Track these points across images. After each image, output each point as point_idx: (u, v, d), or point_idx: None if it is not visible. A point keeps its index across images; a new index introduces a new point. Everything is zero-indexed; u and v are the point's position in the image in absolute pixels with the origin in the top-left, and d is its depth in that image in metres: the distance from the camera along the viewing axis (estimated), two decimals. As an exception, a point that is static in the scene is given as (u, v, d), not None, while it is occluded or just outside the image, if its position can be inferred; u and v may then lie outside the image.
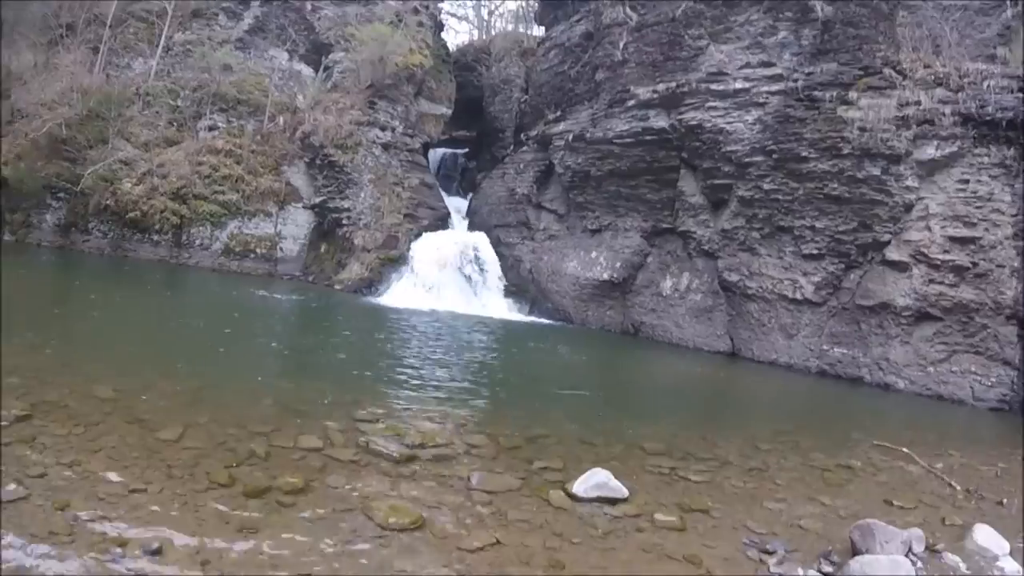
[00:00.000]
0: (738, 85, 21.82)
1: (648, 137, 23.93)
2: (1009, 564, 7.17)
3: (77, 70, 28.43)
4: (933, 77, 19.15)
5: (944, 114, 18.59)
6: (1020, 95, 18.04)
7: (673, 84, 22.93)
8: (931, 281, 18.84)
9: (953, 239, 18.53)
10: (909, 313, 19.18)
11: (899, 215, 19.35)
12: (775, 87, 21.22)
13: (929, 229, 18.89)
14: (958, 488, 9.60)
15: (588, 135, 25.53)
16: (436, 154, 37.08)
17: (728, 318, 23.10)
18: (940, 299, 18.69)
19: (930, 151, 18.77)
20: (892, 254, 19.55)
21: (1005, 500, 9.36)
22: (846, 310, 20.68)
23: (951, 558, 6.99)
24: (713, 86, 22.17)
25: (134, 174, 27.29)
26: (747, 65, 21.77)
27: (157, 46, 30.03)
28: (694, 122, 22.51)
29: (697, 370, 19.62)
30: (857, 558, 6.34)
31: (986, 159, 18.28)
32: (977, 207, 18.28)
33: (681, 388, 17.16)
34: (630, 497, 7.46)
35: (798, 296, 21.33)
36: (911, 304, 19.12)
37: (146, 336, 14.31)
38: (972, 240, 18.28)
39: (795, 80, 20.87)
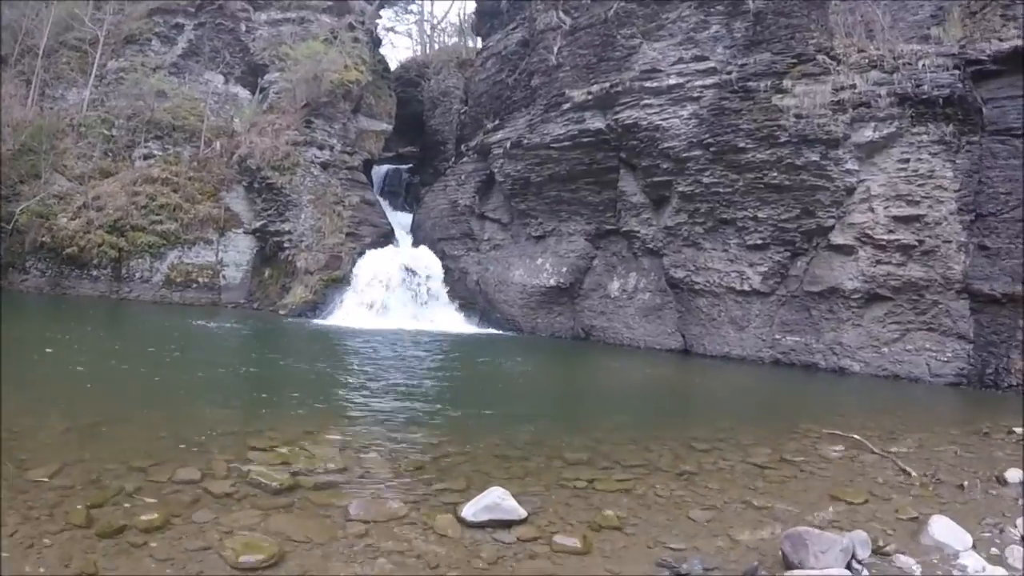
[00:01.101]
0: (672, 81, 20.80)
1: (585, 139, 22.83)
2: (972, 560, 5.85)
3: (10, 103, 27.02)
4: (867, 60, 18.21)
5: (880, 96, 17.60)
6: (955, 72, 17.15)
7: (607, 84, 21.85)
8: (878, 262, 17.85)
9: (897, 218, 17.51)
10: (859, 295, 18.18)
11: (841, 199, 18.33)
12: (709, 80, 20.20)
13: (872, 210, 17.88)
14: (914, 474, 8.36)
15: (525, 141, 24.36)
16: (380, 171, 35.59)
17: (678, 315, 21.95)
18: (889, 279, 17.70)
19: (868, 133, 17.78)
20: (837, 238, 18.52)
21: (966, 483, 8.09)
22: (795, 298, 19.61)
23: (903, 560, 5.69)
24: (647, 83, 21.12)
25: (70, 208, 25.90)
26: (680, 60, 20.76)
27: (90, 75, 28.59)
28: (630, 121, 21.43)
29: (646, 371, 18.27)
30: (787, 574, 5.11)
31: (925, 137, 17.30)
32: (919, 185, 17.28)
33: (625, 391, 15.73)
34: (530, 518, 6.24)
35: (746, 287, 20.24)
36: (860, 286, 18.12)
37: (59, 373, 12.63)
38: (916, 218, 17.27)
39: (729, 72, 19.86)
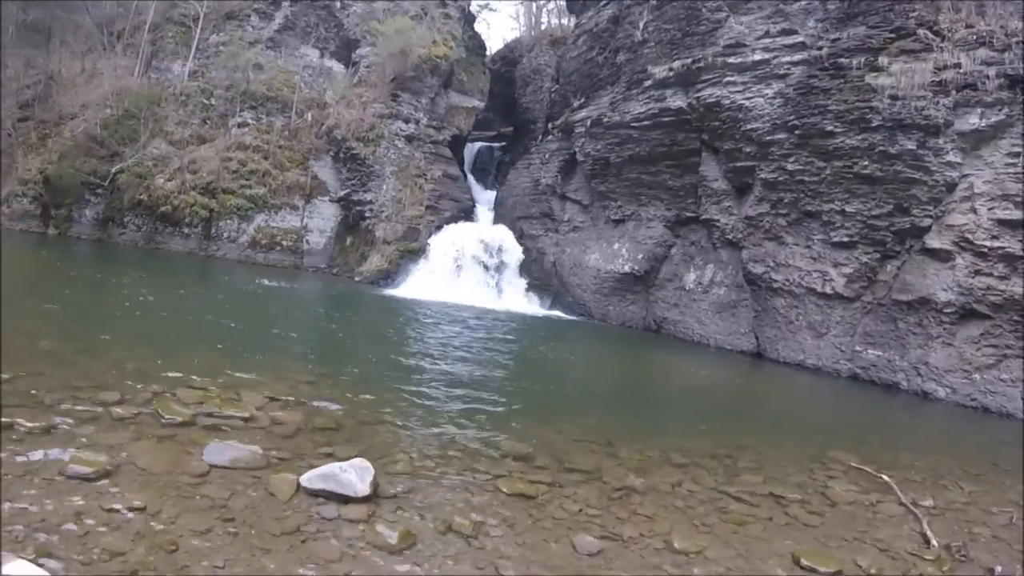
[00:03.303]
0: (757, 57, 17.99)
1: (666, 118, 20.29)
2: None
3: (122, 73, 27.28)
4: (975, 37, 14.81)
5: (988, 77, 14.31)
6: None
7: (689, 60, 19.25)
8: (977, 272, 14.57)
9: (1003, 222, 14.21)
10: (952, 310, 14.92)
11: (940, 196, 15.20)
12: (797, 56, 17.29)
13: (975, 211, 14.65)
14: (934, 543, 5.96)
15: (606, 120, 22.05)
16: (472, 148, 33.95)
17: (753, 314, 19.22)
18: (988, 293, 14.41)
19: (973, 120, 14.55)
20: (933, 241, 15.32)
21: (999, 569, 5.62)
22: (882, 306, 16.53)
23: None
24: (730, 59, 18.39)
25: (167, 170, 25.84)
26: (767, 35, 17.91)
27: (192, 48, 28.31)
28: (712, 99, 18.78)
29: (703, 371, 15.85)
30: None
31: (1040, 127, 14.05)
32: (1031, 184, 14.07)
33: (664, 389, 13.51)
34: (375, 498, 5.30)
35: (828, 290, 17.31)
36: (954, 299, 14.86)
37: (109, 308, 12.89)
38: (1026, 223, 14.08)
39: (819, 48, 16.90)
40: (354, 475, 5.31)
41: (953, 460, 9.14)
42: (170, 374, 7.86)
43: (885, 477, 7.51)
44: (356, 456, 5.76)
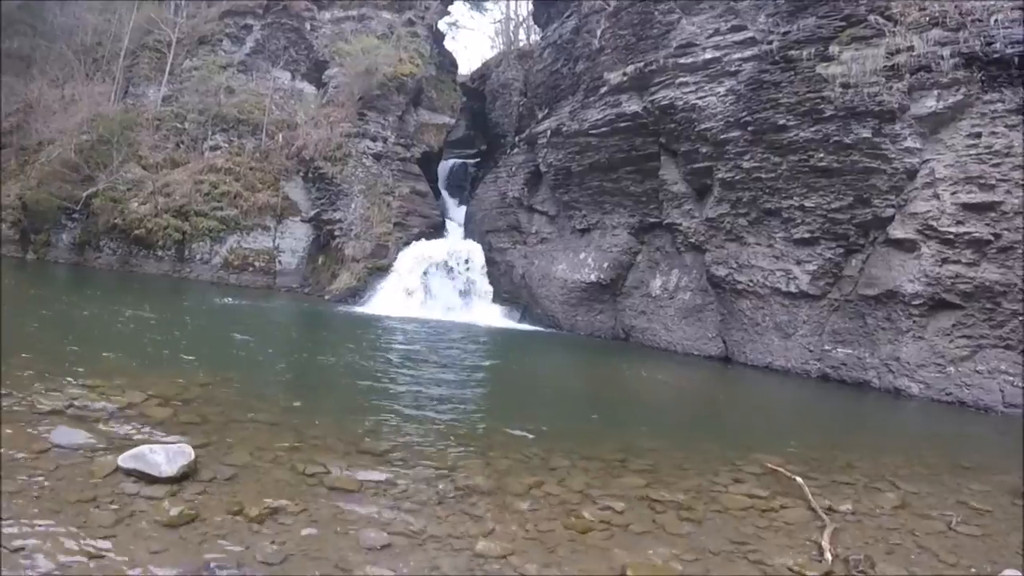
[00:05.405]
0: (708, 55, 16.68)
1: (623, 124, 18.91)
2: None
3: (99, 100, 26.39)
4: (928, 18, 13.42)
5: (943, 57, 12.92)
6: (1035, 26, 12.31)
7: (642, 64, 17.94)
8: (944, 261, 13.07)
9: (968, 206, 12.73)
10: (920, 302, 13.37)
11: (901, 184, 13.73)
12: (748, 52, 15.96)
13: (938, 197, 13.15)
14: (828, 555, 4.61)
15: (565, 129, 20.71)
16: (446, 165, 32.57)
17: (720, 318, 17.66)
18: (957, 282, 12.90)
19: (930, 103, 13.12)
20: (896, 231, 13.82)
21: None
22: (849, 303, 14.97)
23: None
24: (682, 60, 17.08)
25: (140, 194, 24.79)
26: (717, 33, 16.60)
27: (165, 74, 27.33)
28: (665, 101, 17.44)
29: (659, 376, 14.32)
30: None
31: (999, 106, 12.48)
32: (994, 165, 12.46)
33: (597, 392, 12.08)
34: (181, 480, 5.09)
35: (793, 289, 15.78)
36: (922, 290, 13.33)
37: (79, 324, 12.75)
38: (991, 206, 12.45)
39: (769, 42, 15.54)
40: (162, 456, 5.25)
41: (903, 459, 7.58)
42: (68, 377, 7.69)
43: (798, 479, 6.01)
44: (198, 446, 5.67)
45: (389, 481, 5.47)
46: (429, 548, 4.45)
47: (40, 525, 4.23)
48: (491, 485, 5.49)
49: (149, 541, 4.18)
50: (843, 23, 14.46)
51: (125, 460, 5.22)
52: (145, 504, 4.70)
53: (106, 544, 4.08)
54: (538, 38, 29.99)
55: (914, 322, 13.64)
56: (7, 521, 4.18)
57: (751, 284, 16.57)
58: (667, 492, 5.58)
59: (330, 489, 5.26)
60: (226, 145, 26.43)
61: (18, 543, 3.96)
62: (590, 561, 4.38)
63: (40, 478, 4.86)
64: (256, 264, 24.90)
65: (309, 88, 28.18)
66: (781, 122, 14.97)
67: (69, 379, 7.58)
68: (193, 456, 5.33)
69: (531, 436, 7.11)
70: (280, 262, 25.28)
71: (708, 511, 5.34)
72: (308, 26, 28.12)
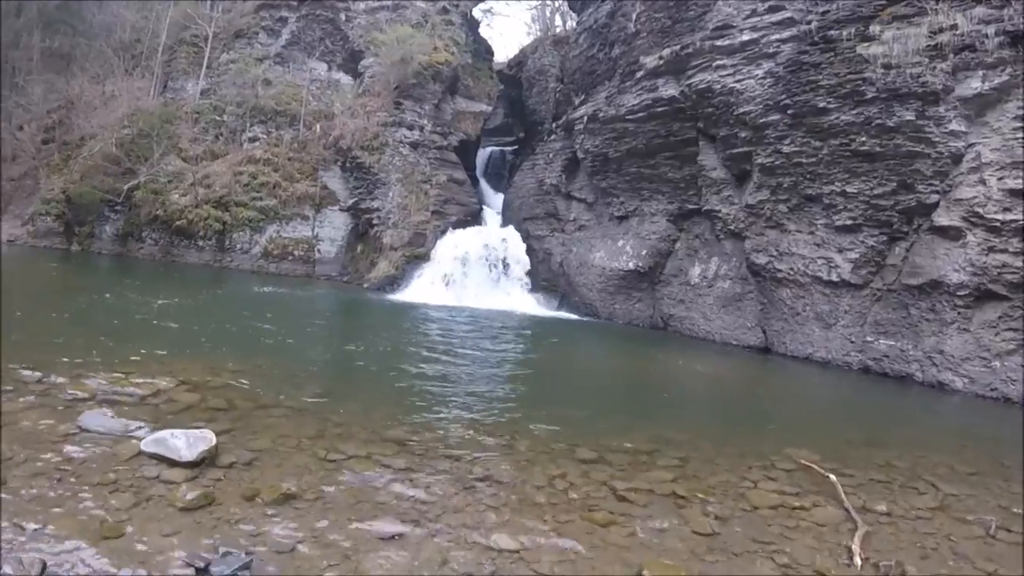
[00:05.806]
0: (745, 37, 16.28)
1: (659, 108, 18.64)
2: None
3: (138, 95, 26.99)
4: (972, -6, 12.99)
5: (987, 35, 12.36)
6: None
7: (678, 47, 17.62)
8: (991, 249, 12.57)
9: (1015, 192, 12.21)
10: (966, 292, 12.91)
11: (946, 168, 13.27)
12: (786, 33, 15.54)
13: (984, 183, 12.67)
14: (858, 558, 4.48)
15: (602, 115, 20.48)
16: (484, 152, 32.46)
17: (759, 307, 17.37)
18: (1004, 272, 12.41)
19: (975, 84, 12.61)
20: (941, 218, 13.33)
21: None
22: (892, 292, 14.54)
23: None
24: (719, 42, 16.70)
25: (181, 186, 25.28)
26: (754, 13, 16.18)
27: (203, 68, 27.84)
28: (703, 85, 17.12)
29: (697, 367, 14.16)
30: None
31: (1051, 85, 12.03)
32: (1045, 148, 12.08)
33: (635, 383, 11.96)
34: (201, 465, 5.20)
35: (834, 278, 15.41)
36: (967, 280, 12.86)
37: (113, 311, 12.99)
38: (1041, 192, 12.08)
39: (808, 22, 15.12)
40: (182, 441, 5.35)
41: (943, 457, 7.38)
42: (101, 363, 7.87)
43: (832, 477, 5.87)
44: (222, 431, 5.82)
45: (409, 469, 5.54)
46: (442, 540, 4.45)
47: (57, 508, 4.32)
48: (512, 476, 5.53)
49: (162, 524, 4.26)
50: (883, 1, 14.00)
51: (147, 444, 5.38)
52: (163, 488, 4.80)
53: (120, 526, 4.17)
54: (574, 23, 29.67)
55: (959, 313, 13.19)
56: (40, 501, 4.35)
57: (791, 272, 16.24)
58: (695, 488, 5.54)
59: (348, 477, 5.32)
60: (264, 136, 26.86)
61: (33, 526, 4.03)
62: (606, 558, 4.34)
63: (66, 460, 4.99)
64: (295, 253, 25.30)
65: (345, 78, 28.37)
66: (821, 105, 14.58)
67: (102, 365, 7.75)
68: (214, 442, 5.46)
69: (559, 427, 7.11)
70: (319, 251, 25.63)
71: (736, 508, 5.27)
72: (343, 16, 28.27)
